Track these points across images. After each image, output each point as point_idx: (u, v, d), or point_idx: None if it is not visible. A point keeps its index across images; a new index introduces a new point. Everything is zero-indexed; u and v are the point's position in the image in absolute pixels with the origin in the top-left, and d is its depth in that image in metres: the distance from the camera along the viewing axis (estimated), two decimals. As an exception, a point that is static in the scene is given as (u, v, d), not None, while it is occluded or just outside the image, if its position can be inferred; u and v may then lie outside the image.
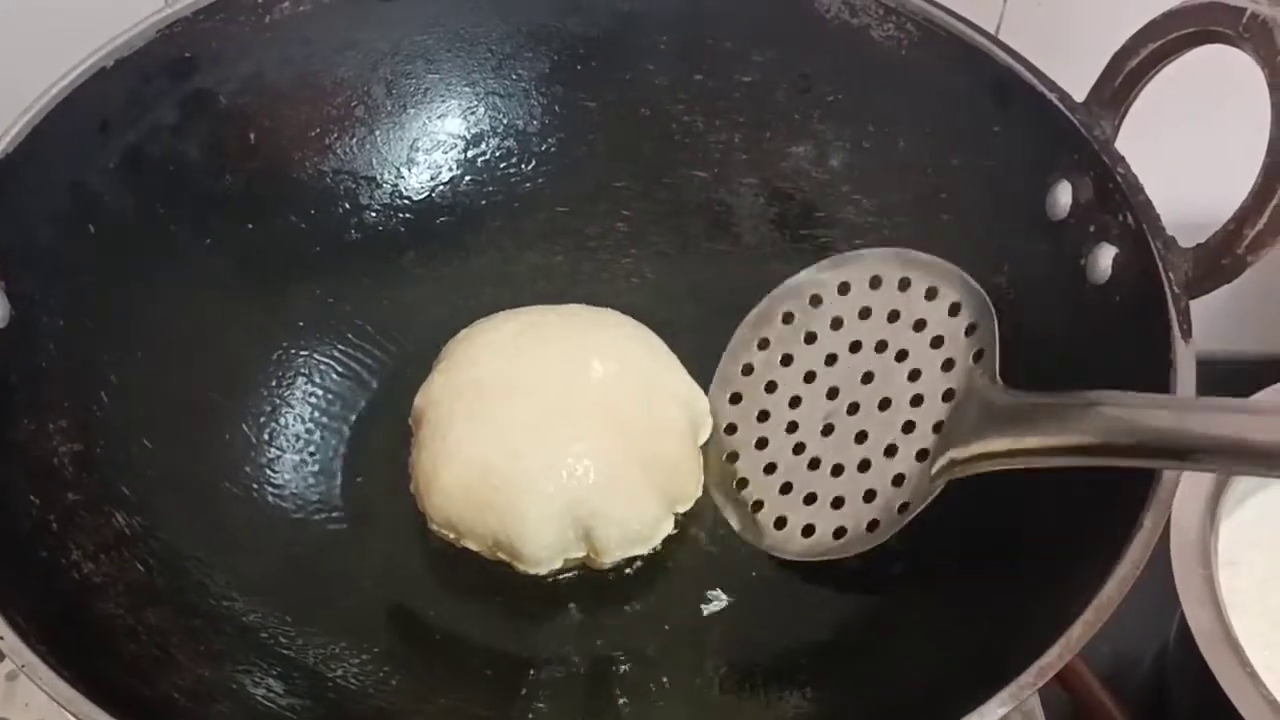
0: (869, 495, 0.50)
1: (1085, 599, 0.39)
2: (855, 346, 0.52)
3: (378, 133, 0.61)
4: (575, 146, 0.62)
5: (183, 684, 0.45)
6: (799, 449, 0.52)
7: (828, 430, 0.52)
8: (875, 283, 0.52)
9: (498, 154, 0.62)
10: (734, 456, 0.54)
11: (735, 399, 0.55)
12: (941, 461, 0.48)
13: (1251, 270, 0.45)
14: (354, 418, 0.58)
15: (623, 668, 0.51)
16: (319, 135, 0.60)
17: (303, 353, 0.58)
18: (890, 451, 0.50)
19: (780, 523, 0.52)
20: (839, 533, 0.50)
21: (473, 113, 0.62)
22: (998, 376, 0.48)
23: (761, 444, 0.53)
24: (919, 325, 0.51)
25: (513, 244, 0.62)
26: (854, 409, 0.51)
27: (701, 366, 0.56)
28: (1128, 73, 0.49)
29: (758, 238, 0.61)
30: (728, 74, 0.60)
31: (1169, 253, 0.46)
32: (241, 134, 0.57)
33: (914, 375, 0.50)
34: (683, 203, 0.62)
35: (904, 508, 0.49)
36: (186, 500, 0.52)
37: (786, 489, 0.52)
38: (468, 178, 0.62)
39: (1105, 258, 0.48)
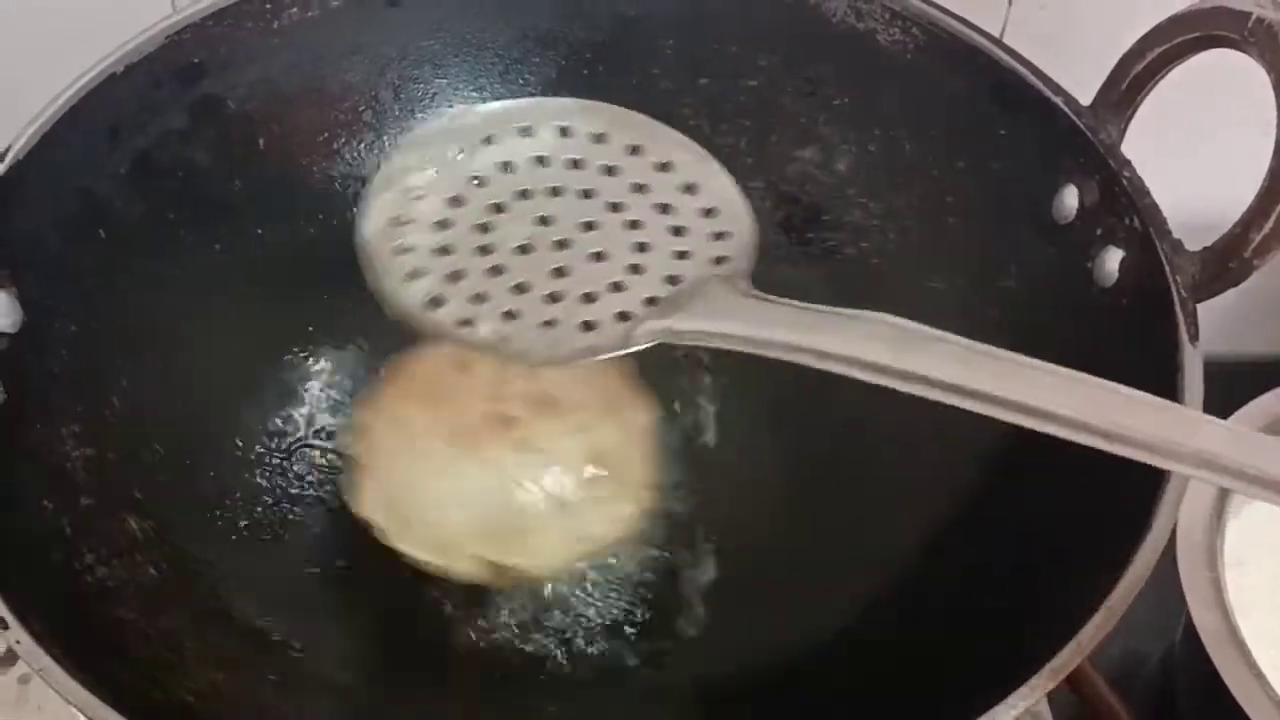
0: (547, 324, 0.43)
1: (1095, 601, 0.39)
2: (587, 194, 0.46)
3: (385, 137, 0.61)
4: (581, 151, 0.62)
5: (195, 687, 0.45)
6: (484, 251, 0.45)
7: (523, 251, 0.45)
8: (636, 149, 0.47)
9: (505, 158, 0.62)
10: (405, 220, 0.46)
11: (438, 167, 0.47)
12: (654, 325, 0.42)
13: (1258, 272, 0.45)
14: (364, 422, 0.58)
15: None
16: (327, 140, 0.60)
17: (312, 357, 0.58)
18: (586, 298, 0.44)
19: (433, 303, 0.44)
20: (503, 337, 0.43)
21: (480, 117, 0.62)
22: (745, 280, 0.44)
23: (442, 225, 0.46)
24: (664, 208, 0.46)
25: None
26: (561, 245, 0.45)
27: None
28: (1134, 76, 0.50)
29: (764, 241, 0.61)
30: (733, 78, 0.61)
31: (1175, 256, 0.46)
32: (250, 139, 0.58)
33: (641, 247, 0.45)
34: (689, 207, 0.62)
35: (589, 349, 0.43)
36: (198, 505, 0.52)
37: (454, 277, 0.45)
38: (475, 182, 0.62)
39: (1112, 261, 0.49)
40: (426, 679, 0.51)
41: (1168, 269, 0.46)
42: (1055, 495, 0.47)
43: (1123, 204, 0.48)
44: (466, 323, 0.44)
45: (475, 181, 0.47)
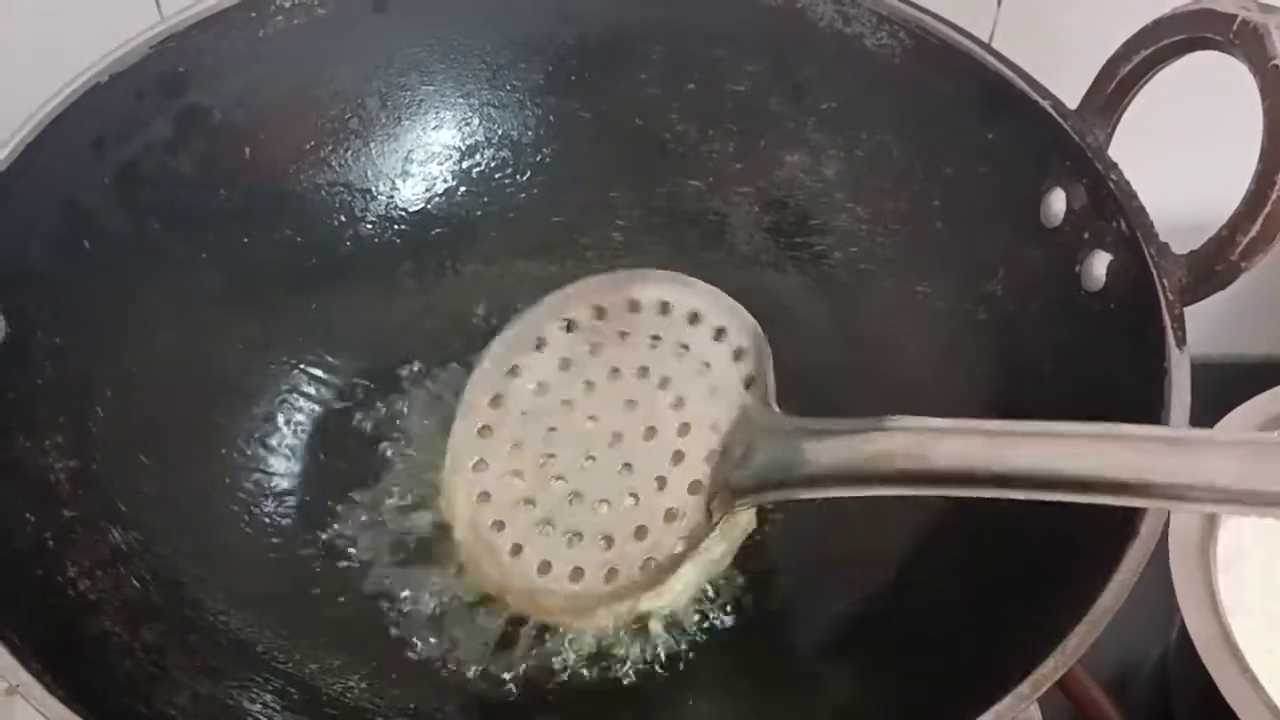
0: (640, 532, 0.47)
1: (1081, 608, 0.38)
2: (614, 374, 0.50)
3: (372, 145, 0.61)
4: (570, 157, 0.62)
5: (179, 701, 0.45)
6: (558, 483, 0.49)
7: (589, 461, 0.48)
8: (634, 306, 0.51)
9: (492, 165, 0.62)
10: (485, 496, 0.50)
11: (484, 431, 0.51)
12: (719, 493, 0.45)
13: (1246, 274, 0.45)
14: (350, 432, 0.58)
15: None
16: (314, 148, 0.60)
17: (298, 366, 0.58)
18: (661, 484, 0.47)
19: (544, 568, 0.48)
20: (610, 575, 0.47)
21: (467, 124, 0.62)
22: (773, 403, 0.46)
23: (517, 476, 0.49)
24: (683, 349, 0.49)
25: (508, 255, 0.62)
26: (617, 439, 0.48)
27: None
28: (1120, 80, 0.49)
29: (753, 246, 0.61)
30: (720, 83, 0.60)
31: (1163, 259, 0.46)
32: (236, 148, 0.57)
33: (679, 403, 0.48)
34: (677, 212, 0.62)
35: (680, 544, 0.46)
36: (182, 516, 0.52)
37: (546, 528, 0.48)
38: (463, 189, 0.62)
39: (1099, 265, 0.48)
40: (415, 693, 0.51)
41: (1155, 273, 0.46)
42: (1041, 502, 0.47)
43: (1110, 208, 0.48)
44: (578, 573, 0.47)
45: (523, 418, 0.50)
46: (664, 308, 0.50)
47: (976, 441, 0.39)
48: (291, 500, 0.55)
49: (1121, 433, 0.38)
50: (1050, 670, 0.38)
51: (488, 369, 0.51)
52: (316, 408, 0.58)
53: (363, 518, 0.55)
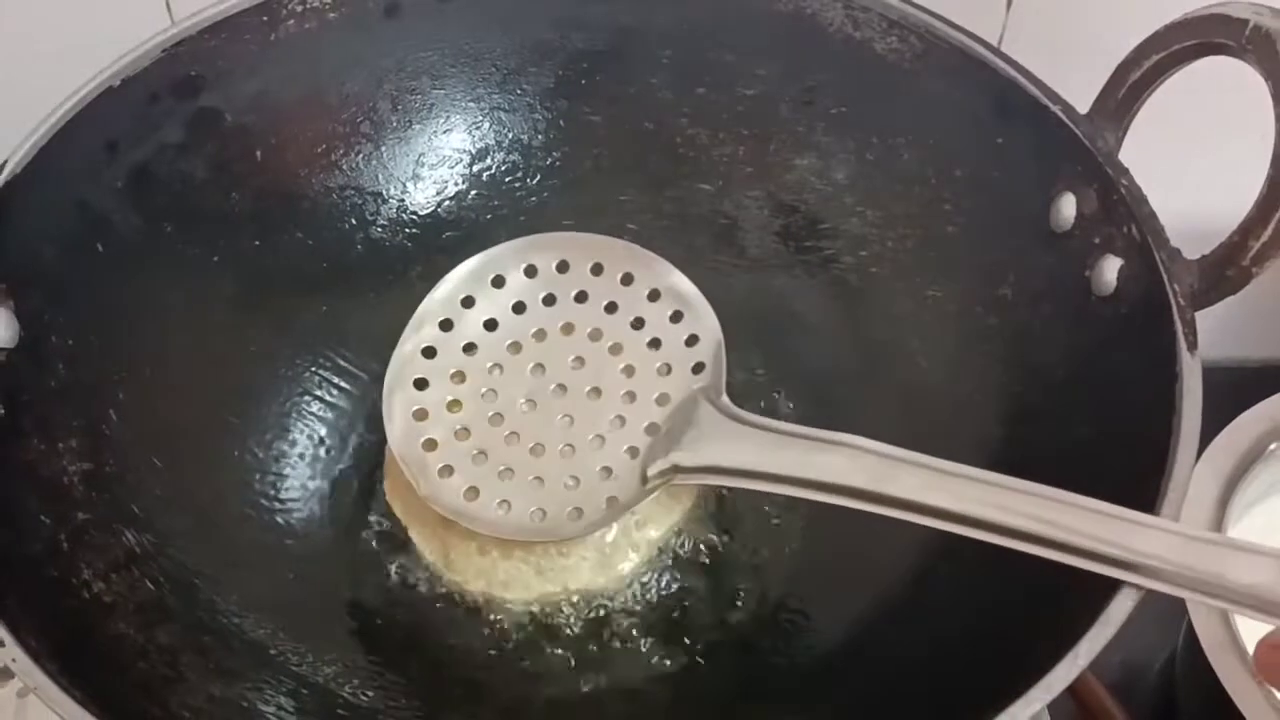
0: (574, 482, 0.48)
1: (1093, 613, 0.39)
2: (568, 328, 0.51)
3: (384, 148, 0.61)
4: (580, 160, 0.62)
5: (193, 703, 0.45)
6: (496, 419, 0.50)
7: (530, 406, 0.50)
8: (597, 269, 0.51)
9: (503, 168, 0.63)
10: (422, 414, 0.50)
11: (429, 353, 0.51)
12: (661, 465, 0.46)
13: (1258, 277, 0.45)
14: (363, 434, 0.58)
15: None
16: (325, 152, 0.60)
17: (310, 369, 0.58)
18: (599, 441, 0.48)
19: (471, 493, 0.49)
20: (537, 515, 0.48)
21: (478, 127, 0.62)
22: (723, 393, 0.48)
23: (454, 406, 0.50)
24: (637, 323, 0.50)
25: (519, 258, 0.62)
26: (561, 390, 0.50)
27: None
28: (1131, 84, 0.50)
29: (763, 250, 0.62)
30: (731, 87, 0.60)
31: (1174, 264, 0.46)
32: (248, 151, 0.58)
33: (629, 371, 0.49)
34: (687, 216, 0.62)
35: (612, 501, 0.47)
36: (196, 518, 0.52)
37: (480, 458, 0.49)
38: (473, 192, 0.62)
39: (1110, 270, 0.48)
40: (430, 691, 0.51)
41: (1166, 278, 0.46)
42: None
43: (1121, 212, 0.48)
44: (505, 505, 0.48)
45: (468, 350, 0.51)
46: (627, 278, 0.51)
47: (928, 477, 0.41)
48: (304, 502, 0.55)
49: (1067, 500, 0.39)
50: (1061, 676, 0.38)
51: (443, 293, 0.52)
52: (329, 410, 0.58)
53: (376, 519, 0.55)
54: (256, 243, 0.58)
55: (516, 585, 0.52)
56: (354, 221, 0.61)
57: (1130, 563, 0.37)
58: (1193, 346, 0.44)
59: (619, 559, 0.52)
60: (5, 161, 0.49)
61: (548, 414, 0.49)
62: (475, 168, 0.62)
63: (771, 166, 0.61)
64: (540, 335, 0.51)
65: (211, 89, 0.56)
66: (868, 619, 0.51)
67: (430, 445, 0.50)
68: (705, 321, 0.50)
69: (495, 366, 0.51)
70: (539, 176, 0.63)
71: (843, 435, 0.43)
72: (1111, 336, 0.48)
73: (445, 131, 0.62)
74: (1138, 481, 0.42)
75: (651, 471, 0.47)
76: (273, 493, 0.55)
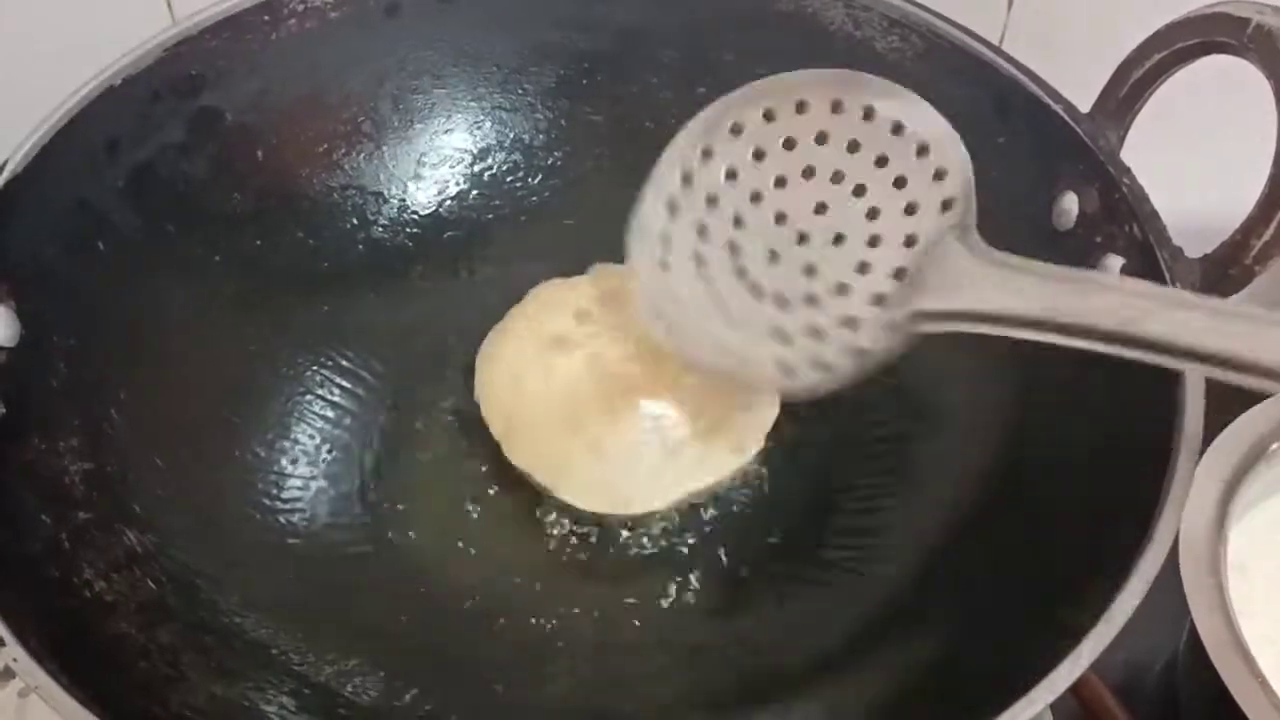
0: (815, 332, 0.46)
1: (1096, 614, 0.39)
2: (809, 172, 0.48)
3: (385, 148, 0.61)
4: (581, 160, 0.63)
5: (195, 702, 0.45)
6: (740, 273, 0.48)
7: (773, 257, 0.47)
8: (837, 107, 0.47)
9: (504, 168, 0.63)
10: (665, 265, 0.49)
11: (672, 208, 0.49)
12: (904, 311, 0.44)
13: (1259, 276, 0.45)
14: (363, 433, 0.58)
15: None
16: (326, 151, 0.60)
17: (311, 368, 0.58)
18: (842, 290, 0.46)
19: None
20: (783, 368, 0.47)
21: (479, 127, 0.62)
22: (973, 230, 0.45)
23: (699, 260, 0.48)
24: (881, 161, 0.47)
25: (520, 258, 0.62)
26: (803, 239, 0.47)
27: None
28: (1133, 83, 0.50)
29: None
30: (732, 87, 0.60)
31: (1176, 263, 0.46)
32: (249, 151, 0.58)
33: (873, 214, 0.46)
34: (689, 215, 0.62)
35: (859, 352, 0.45)
36: (197, 518, 0.52)
37: (721, 311, 0.48)
38: (474, 192, 0.63)
39: (1112, 268, 0.49)
40: (427, 691, 0.51)
41: (1168, 276, 0.46)
42: (1057, 505, 0.47)
43: (1123, 211, 0.48)
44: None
45: (710, 203, 0.49)
46: (868, 113, 0.47)
47: (1195, 317, 0.38)
48: (305, 501, 0.55)
49: None
50: (1065, 674, 0.38)
51: (681, 145, 0.50)
52: (331, 409, 0.58)
53: (379, 519, 0.55)
54: (257, 242, 0.58)
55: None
56: (355, 221, 0.61)
57: None
58: (1195, 345, 0.44)
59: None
60: (6, 161, 0.49)
61: (791, 266, 0.47)
62: (477, 167, 0.62)
63: (772, 166, 0.61)
64: (781, 182, 0.48)
65: (213, 88, 0.56)
66: (870, 618, 0.51)
67: (673, 298, 0.49)
68: (953, 153, 0.46)
69: (738, 220, 0.48)
70: (540, 176, 0.63)
71: (1096, 274, 0.41)
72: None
73: (447, 131, 0.62)
74: (1139, 481, 0.42)
75: (900, 318, 0.44)
76: (274, 492, 0.55)
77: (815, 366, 0.46)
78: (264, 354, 0.58)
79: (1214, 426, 0.59)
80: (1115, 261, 0.48)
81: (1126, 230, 0.48)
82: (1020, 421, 0.52)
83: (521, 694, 0.51)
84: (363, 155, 0.61)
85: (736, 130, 0.49)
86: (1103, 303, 0.39)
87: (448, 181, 0.62)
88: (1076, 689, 0.60)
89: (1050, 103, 0.51)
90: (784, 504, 0.56)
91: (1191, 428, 0.43)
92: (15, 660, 0.39)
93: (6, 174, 0.49)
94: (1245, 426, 0.62)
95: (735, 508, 0.56)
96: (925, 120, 0.46)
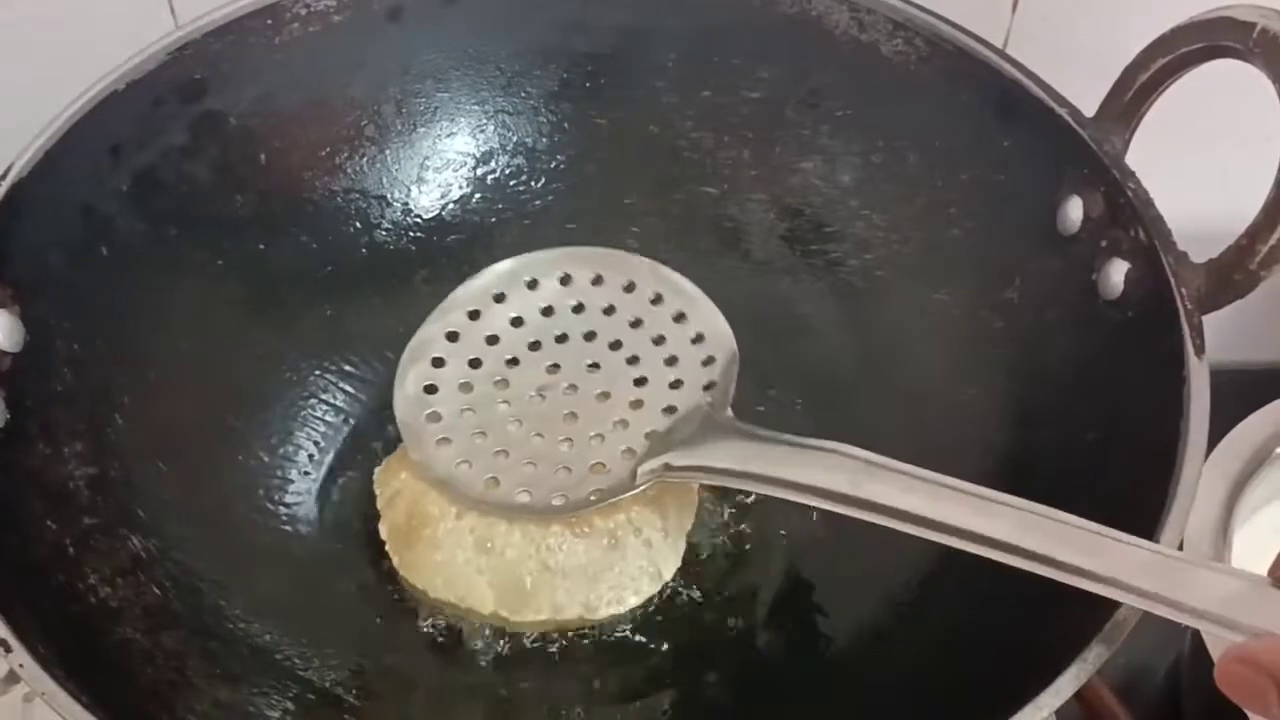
0: (564, 471, 0.49)
1: (1101, 619, 0.39)
2: (590, 335, 0.53)
3: (388, 151, 0.61)
4: (584, 163, 0.62)
5: (200, 707, 0.45)
6: (503, 405, 0.51)
7: (539, 398, 0.51)
8: (630, 287, 0.54)
9: (507, 171, 0.63)
10: (432, 388, 0.52)
11: (452, 336, 0.53)
12: (653, 464, 0.48)
13: (1264, 282, 0.45)
14: (367, 437, 0.58)
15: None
16: (329, 155, 0.60)
17: (314, 373, 0.58)
18: (599, 439, 0.50)
19: (464, 465, 0.50)
20: (523, 494, 0.49)
21: (482, 131, 0.62)
22: (728, 408, 0.49)
23: (466, 387, 0.52)
24: (659, 340, 0.52)
25: (523, 262, 0.62)
26: (571, 389, 0.51)
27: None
28: (1138, 87, 0.49)
29: (768, 253, 0.61)
30: (735, 90, 0.60)
31: (1181, 268, 0.46)
32: (252, 155, 0.57)
33: (640, 381, 0.51)
34: (692, 219, 0.62)
35: (599, 492, 0.48)
36: (201, 523, 0.52)
37: (480, 435, 0.51)
38: (478, 195, 0.62)
39: (1117, 273, 0.48)
40: (432, 697, 0.51)
41: (1173, 281, 0.46)
42: (1061, 508, 0.47)
43: (1127, 216, 0.48)
44: (493, 481, 0.49)
45: (490, 341, 0.53)
46: (657, 298, 0.53)
47: (907, 483, 0.42)
48: (310, 506, 0.55)
49: (1044, 513, 0.39)
50: (1071, 680, 0.38)
51: (477, 286, 0.54)
52: (334, 414, 0.58)
53: (381, 523, 0.55)
54: (261, 246, 0.58)
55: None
56: (358, 225, 0.61)
57: (1100, 576, 0.37)
58: (1200, 350, 0.44)
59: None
60: (10, 166, 0.49)
61: (554, 407, 0.51)
62: (479, 171, 0.62)
63: (776, 169, 0.61)
64: (563, 338, 0.53)
65: (216, 92, 0.56)
66: (875, 622, 0.51)
67: (434, 418, 0.51)
68: (724, 346, 0.51)
69: (513, 360, 0.52)
70: (543, 180, 0.63)
71: (829, 443, 0.44)
72: (1118, 340, 0.48)
73: (449, 135, 0.62)
74: (1144, 485, 0.42)
75: (643, 470, 0.48)
76: (278, 497, 0.55)
77: (555, 498, 0.49)
78: (267, 358, 0.57)
79: (1219, 430, 0.59)
80: (1120, 266, 0.48)
81: (1131, 235, 0.48)
82: (1025, 424, 0.52)
83: (523, 695, 0.51)
84: (365, 159, 0.60)
85: (533, 285, 0.54)
86: (815, 465, 0.43)
87: (451, 185, 0.62)
88: (1080, 693, 0.60)
89: (1055, 106, 0.51)
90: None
91: (1196, 431, 0.43)
92: (21, 666, 0.38)
93: (10, 179, 0.48)
94: (1250, 430, 0.62)
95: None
96: (705, 315, 0.52)
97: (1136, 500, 0.42)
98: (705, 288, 0.53)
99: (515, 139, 0.62)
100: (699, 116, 0.61)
